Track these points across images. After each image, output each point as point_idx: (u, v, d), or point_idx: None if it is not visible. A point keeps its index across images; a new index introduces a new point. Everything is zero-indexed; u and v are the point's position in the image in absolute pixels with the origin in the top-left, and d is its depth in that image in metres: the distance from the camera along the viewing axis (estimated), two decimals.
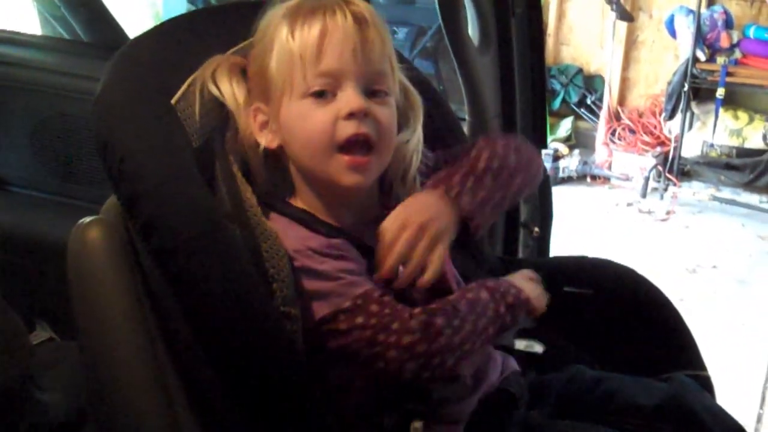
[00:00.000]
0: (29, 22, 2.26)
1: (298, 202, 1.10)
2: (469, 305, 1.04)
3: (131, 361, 1.03)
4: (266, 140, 1.08)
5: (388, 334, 0.99)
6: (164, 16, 4.12)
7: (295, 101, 1.04)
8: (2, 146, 2.11)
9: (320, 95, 1.04)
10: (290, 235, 1.04)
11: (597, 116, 4.77)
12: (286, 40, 1.04)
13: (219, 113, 1.09)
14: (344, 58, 1.03)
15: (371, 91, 1.06)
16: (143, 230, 0.99)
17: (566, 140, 4.84)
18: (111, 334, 1.07)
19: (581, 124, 4.98)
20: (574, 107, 4.98)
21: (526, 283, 1.15)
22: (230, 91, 1.08)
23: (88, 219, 1.08)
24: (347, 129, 1.03)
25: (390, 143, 1.08)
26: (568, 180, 4.50)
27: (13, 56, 2.08)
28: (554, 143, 4.65)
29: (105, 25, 2.17)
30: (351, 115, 1.03)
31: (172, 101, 1.07)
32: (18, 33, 2.16)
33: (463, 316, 1.02)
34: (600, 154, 4.60)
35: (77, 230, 1.07)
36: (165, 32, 1.18)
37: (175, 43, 1.15)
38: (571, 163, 4.51)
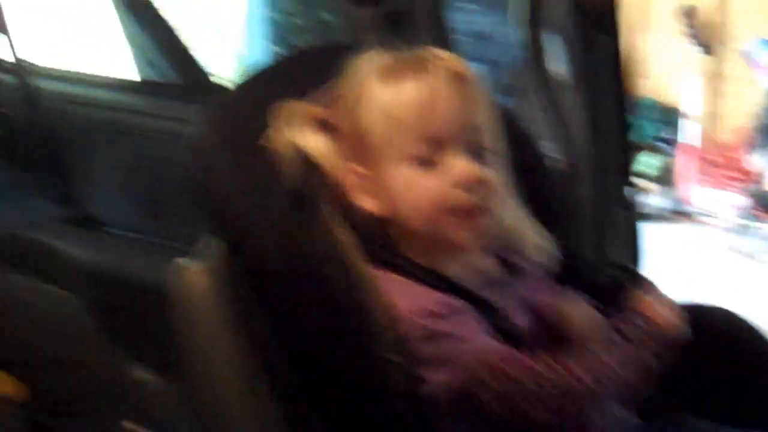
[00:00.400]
0: (127, 66, 2.33)
1: (407, 253, 1.04)
2: (602, 348, 0.99)
3: (235, 399, 1.05)
4: (369, 205, 1.02)
5: (517, 389, 0.94)
6: (248, 56, 4.19)
7: (398, 167, 0.99)
8: (97, 187, 2.18)
9: (425, 161, 0.99)
10: (401, 290, 1.00)
11: (675, 149, 4.69)
12: (383, 101, 0.99)
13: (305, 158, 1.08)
14: (449, 121, 0.99)
15: (476, 152, 1.01)
16: (245, 271, 1.01)
17: (646, 175, 4.77)
18: (214, 373, 1.09)
19: (660, 158, 4.90)
20: (652, 141, 4.91)
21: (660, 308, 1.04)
22: (317, 145, 1.03)
23: (185, 260, 1.10)
24: (460, 198, 0.99)
25: (500, 201, 1.05)
26: (649, 216, 4.42)
27: (108, 100, 2.15)
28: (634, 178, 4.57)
29: (191, 67, 2.23)
30: (463, 183, 0.99)
31: (267, 143, 1.07)
32: (113, 78, 2.24)
33: (596, 359, 0.97)
34: (682, 189, 4.52)
35: (176, 271, 1.10)
36: (259, 77, 1.21)
37: (269, 88, 1.17)
38: (652, 198, 4.44)
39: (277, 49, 4.01)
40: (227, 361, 1.08)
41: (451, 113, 0.99)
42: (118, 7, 2.26)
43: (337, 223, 1.02)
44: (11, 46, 2.08)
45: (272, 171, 1.04)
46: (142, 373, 1.77)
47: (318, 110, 1.05)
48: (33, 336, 1.52)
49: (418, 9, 1.45)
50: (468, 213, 1.00)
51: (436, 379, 0.96)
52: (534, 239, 1.10)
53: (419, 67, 1.00)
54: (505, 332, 1.01)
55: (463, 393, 0.95)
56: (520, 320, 1.05)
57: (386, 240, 1.03)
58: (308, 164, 1.04)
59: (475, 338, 0.97)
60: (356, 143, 1.01)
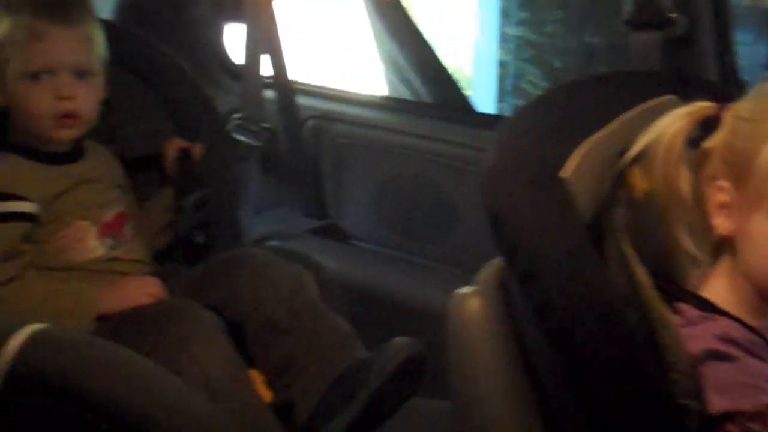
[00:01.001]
0: (378, 83, 2.38)
1: (713, 297, 1.01)
2: None
3: None
4: (722, 226, 0.99)
5: None
6: (479, 71, 4.18)
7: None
8: (348, 201, 2.23)
9: None
10: (705, 324, 0.98)
11: None
12: None
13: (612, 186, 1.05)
14: None
15: None
16: (536, 309, 0.98)
17: None
18: (487, 405, 1.07)
19: None
20: None
21: None
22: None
23: (468, 289, 1.09)
24: None
25: None
26: None
27: (362, 117, 2.20)
28: None
29: (446, 85, 2.24)
30: None
31: (563, 174, 1.04)
32: (369, 95, 2.29)
33: None
34: None
35: (457, 299, 1.09)
36: (547, 101, 1.18)
37: (560, 113, 1.13)
38: None
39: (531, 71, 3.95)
40: (501, 396, 1.06)
41: None
42: (374, 24, 2.30)
43: (636, 262, 0.99)
44: (276, 63, 2.16)
45: (567, 201, 1.01)
46: None
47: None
48: None
49: (703, 35, 1.38)
50: None
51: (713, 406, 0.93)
52: None
53: None
54: None
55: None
56: None
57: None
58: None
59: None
60: (738, 165, 0.97)
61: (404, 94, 2.29)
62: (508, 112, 3.86)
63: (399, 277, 2.00)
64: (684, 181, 1.00)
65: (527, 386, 1.05)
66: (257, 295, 1.52)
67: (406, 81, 2.28)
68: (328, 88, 2.31)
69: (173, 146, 1.72)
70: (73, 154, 1.59)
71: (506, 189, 1.03)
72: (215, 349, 1.39)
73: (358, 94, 2.29)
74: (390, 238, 2.14)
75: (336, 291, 1.68)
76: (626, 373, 0.94)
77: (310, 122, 2.25)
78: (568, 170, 1.05)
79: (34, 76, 1.49)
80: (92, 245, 1.55)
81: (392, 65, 2.29)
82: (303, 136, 2.23)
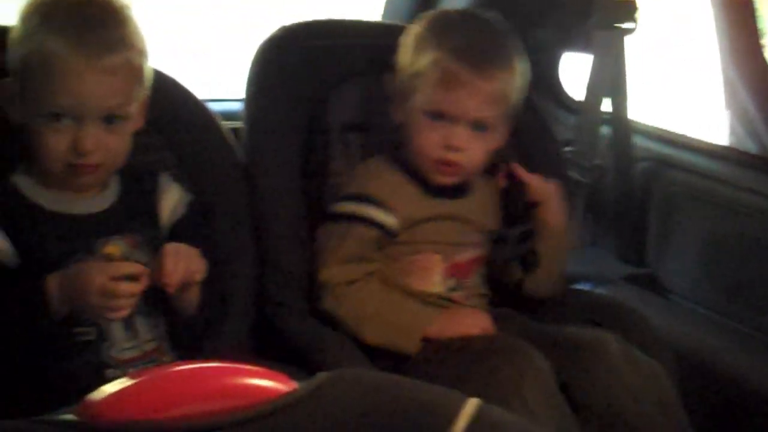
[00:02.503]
0: (720, 133, 2.22)
1: None
2: None
3: None
4: None
5: None
6: None
7: None
8: (671, 253, 2.10)
9: None
10: None
11: None
12: None
13: None
14: None
15: None
16: None
17: None
18: None
19: None
20: None
21: None
22: None
23: None
24: None
25: None
26: None
27: (702, 166, 2.06)
28: None
29: None
30: None
31: None
32: (709, 143, 2.14)
33: None
34: None
35: None
36: None
37: None
38: None
39: None
40: None
41: None
42: (725, 70, 2.16)
43: None
44: (617, 99, 2.08)
45: None
46: None
47: None
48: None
49: None
50: None
51: None
52: None
53: None
54: None
55: None
56: None
57: None
58: None
59: None
60: None
61: (750, 147, 2.12)
62: None
63: (738, 349, 1.81)
64: None
65: None
66: (605, 380, 1.43)
67: (754, 134, 2.11)
68: (668, 131, 2.19)
69: (509, 169, 1.66)
70: (458, 189, 1.57)
71: None
72: (548, 397, 1.33)
73: (700, 141, 2.14)
74: (716, 301, 1.97)
75: (667, 353, 1.57)
76: None
77: (643, 164, 2.14)
78: None
79: (435, 116, 1.47)
80: (435, 280, 1.55)
81: (741, 115, 2.13)
82: (633, 178, 2.13)
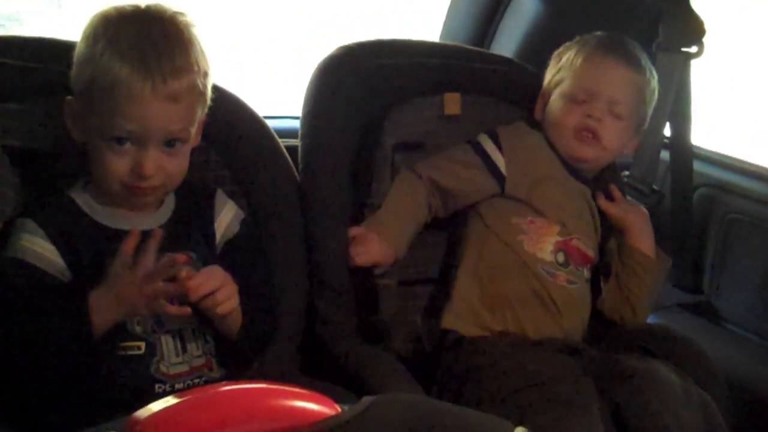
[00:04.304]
0: None
1: None
2: None
3: None
4: None
5: None
6: None
7: None
8: (728, 281, 2.06)
9: None
10: None
11: None
12: None
13: None
14: None
15: None
16: None
17: None
18: None
19: None
20: None
21: None
22: None
23: None
24: None
25: None
26: None
27: (763, 194, 2.01)
28: None
29: None
30: None
31: None
32: (761, 167, 2.10)
33: None
34: None
35: None
36: None
37: None
38: None
39: None
40: None
41: None
42: None
43: None
44: (679, 124, 2.04)
45: None
46: None
47: None
48: None
49: None
50: None
51: None
52: None
53: None
54: None
55: None
56: None
57: None
58: None
59: None
60: None
61: None
62: None
63: None
64: None
65: None
66: (656, 409, 1.42)
67: None
68: (729, 157, 2.14)
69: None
70: (595, 181, 1.74)
71: None
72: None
73: (759, 167, 2.10)
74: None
75: (720, 387, 1.53)
76: None
77: (703, 190, 2.11)
78: None
79: (572, 99, 1.65)
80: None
81: None
82: (692, 204, 2.09)
